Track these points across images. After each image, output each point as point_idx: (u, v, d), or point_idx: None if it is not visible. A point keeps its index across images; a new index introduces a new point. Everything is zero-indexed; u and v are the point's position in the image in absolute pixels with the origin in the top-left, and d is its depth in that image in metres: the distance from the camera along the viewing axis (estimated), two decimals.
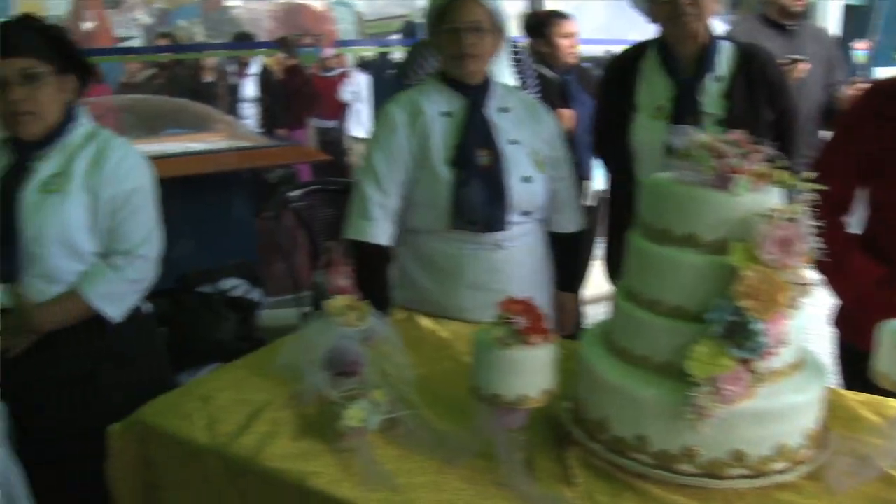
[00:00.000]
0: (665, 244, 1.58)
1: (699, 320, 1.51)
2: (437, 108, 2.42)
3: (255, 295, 3.94)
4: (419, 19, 8.70)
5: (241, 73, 7.42)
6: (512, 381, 1.51)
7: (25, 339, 2.12)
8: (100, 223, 2.12)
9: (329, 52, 7.67)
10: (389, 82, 7.02)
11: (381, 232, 2.42)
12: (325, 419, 1.75)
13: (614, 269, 2.69)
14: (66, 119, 2.16)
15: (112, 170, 2.12)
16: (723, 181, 1.51)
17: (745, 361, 1.45)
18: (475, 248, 2.40)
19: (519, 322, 1.49)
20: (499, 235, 2.39)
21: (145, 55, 7.61)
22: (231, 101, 7.33)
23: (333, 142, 7.45)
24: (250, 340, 3.79)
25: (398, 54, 7.78)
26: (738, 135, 1.56)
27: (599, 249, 2.80)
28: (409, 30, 7.99)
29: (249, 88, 7.31)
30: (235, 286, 3.88)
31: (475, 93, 2.42)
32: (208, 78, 7.43)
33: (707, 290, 1.51)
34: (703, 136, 1.58)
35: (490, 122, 2.41)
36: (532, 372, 1.52)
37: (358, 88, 7.39)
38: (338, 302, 1.88)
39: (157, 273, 2.23)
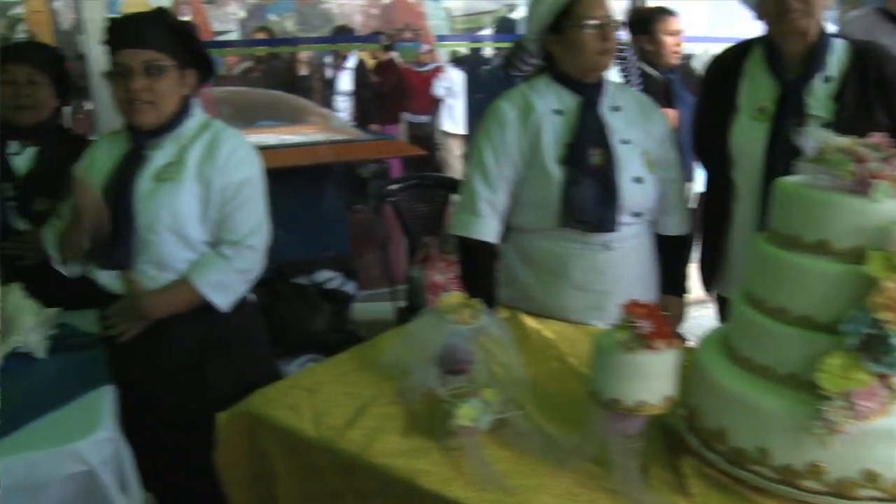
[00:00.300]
0: (794, 251, 1.52)
1: (830, 331, 1.44)
2: (549, 106, 2.37)
3: (350, 288, 3.96)
4: (509, 14, 8.67)
5: (338, 67, 7.48)
6: (633, 386, 1.48)
7: (137, 324, 2.17)
8: (210, 213, 2.15)
9: (424, 47, 7.67)
10: (484, 77, 7.02)
11: (488, 229, 2.39)
12: (434, 417, 1.74)
13: (708, 274, 2.62)
14: (182, 110, 2.19)
15: (224, 160, 2.15)
16: (862, 186, 1.44)
17: (882, 377, 1.38)
18: (582, 248, 2.36)
19: (643, 326, 1.45)
20: (607, 236, 2.35)
21: (247, 48, 7.70)
22: (326, 94, 7.40)
23: (425, 137, 7.46)
24: (343, 333, 3.82)
25: (489, 50, 7.74)
26: (879, 138, 1.49)
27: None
28: (504, 25, 7.93)
29: (345, 82, 7.37)
30: (330, 278, 3.90)
31: (589, 91, 2.37)
32: (303, 71, 7.50)
33: (839, 299, 1.45)
34: (840, 138, 1.52)
35: (603, 121, 2.36)
36: (654, 377, 1.48)
37: (451, 84, 7.37)
38: (451, 299, 1.85)
39: (265, 264, 2.24)
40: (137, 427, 2.01)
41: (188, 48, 2.16)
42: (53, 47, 2.86)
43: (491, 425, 1.70)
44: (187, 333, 2.20)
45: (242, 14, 9.78)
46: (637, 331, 1.46)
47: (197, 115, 2.23)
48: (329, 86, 7.52)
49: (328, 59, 7.73)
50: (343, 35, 7.86)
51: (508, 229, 2.45)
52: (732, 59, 2.51)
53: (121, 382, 2.11)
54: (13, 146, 2.68)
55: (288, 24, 9.77)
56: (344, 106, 7.31)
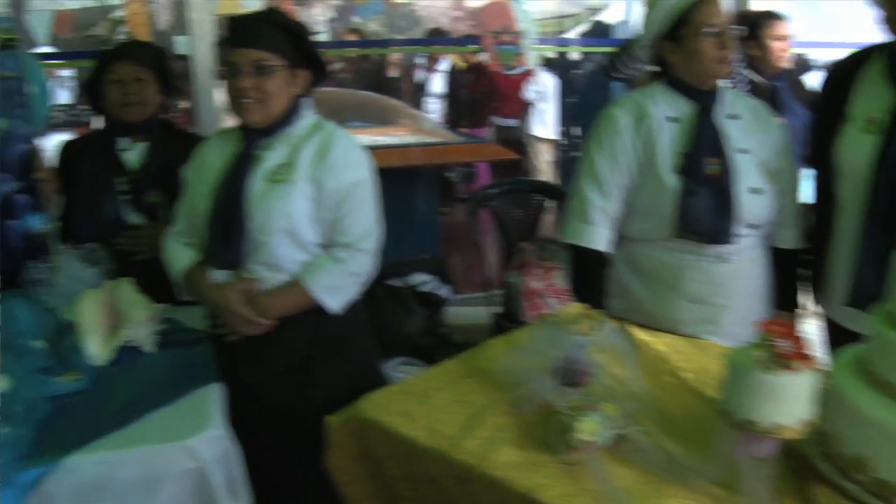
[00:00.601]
0: None
1: None
2: (664, 113, 2.31)
3: (444, 291, 3.93)
4: (594, 17, 8.58)
5: (431, 69, 7.49)
6: (769, 408, 1.42)
7: (249, 327, 2.17)
8: (323, 214, 2.14)
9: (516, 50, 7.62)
10: (577, 81, 6.94)
11: (600, 237, 2.34)
12: (550, 429, 1.70)
13: (819, 290, 2.50)
14: (292, 111, 2.19)
15: (336, 162, 2.14)
16: None
17: None
18: (697, 260, 2.29)
19: (783, 345, 1.39)
20: (723, 248, 2.27)
21: (341, 49, 7.75)
22: (416, 96, 7.41)
23: (514, 141, 7.39)
24: (436, 336, 3.80)
25: (575, 54, 7.66)
26: None
27: None
28: (598, 29, 7.84)
29: (436, 84, 7.37)
30: (425, 281, 3.88)
31: (705, 98, 2.30)
32: (393, 73, 7.53)
33: None
34: None
35: (719, 130, 2.29)
36: (792, 400, 1.42)
37: (543, 88, 7.30)
38: (570, 309, 1.81)
39: (376, 266, 2.23)
40: (243, 425, 2.01)
41: (299, 48, 2.16)
42: (157, 45, 2.91)
43: (610, 440, 1.65)
44: (297, 333, 2.19)
45: (330, 15, 9.87)
46: (776, 350, 1.40)
47: (308, 116, 2.23)
48: (419, 88, 7.53)
49: (419, 62, 7.75)
50: (436, 38, 7.86)
51: (620, 238, 2.40)
52: (848, 66, 2.36)
53: (227, 380, 2.12)
54: (123, 142, 2.73)
55: (374, 26, 9.83)
56: (434, 108, 7.31)
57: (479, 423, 1.80)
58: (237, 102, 2.12)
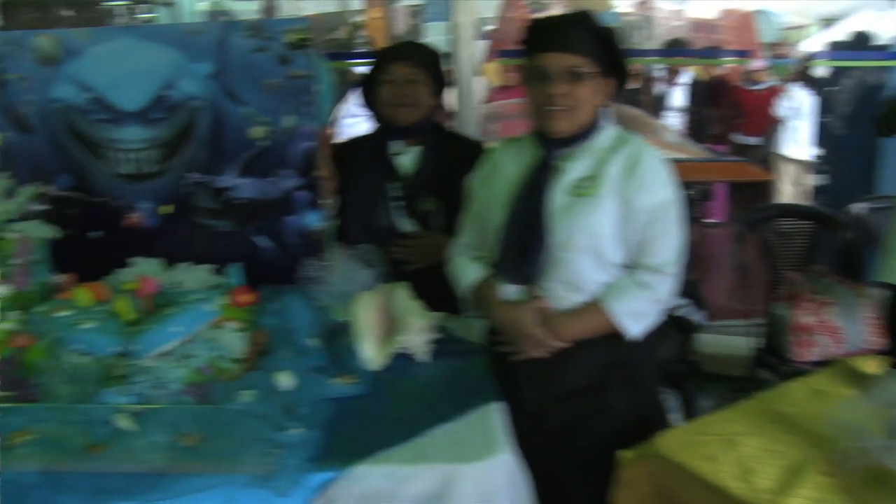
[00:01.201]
0: None
1: None
2: None
3: (699, 317, 3.71)
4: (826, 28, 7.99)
5: (671, 82, 7.23)
6: None
7: (541, 348, 2.07)
8: (629, 234, 2.00)
9: (758, 63, 7.25)
10: (837, 99, 6.45)
11: None
12: (885, 495, 1.49)
13: None
14: (595, 121, 2.07)
15: (646, 178, 1.99)
16: None
17: None
18: None
19: None
20: None
21: None
22: (655, 109, 7.17)
23: (756, 161, 7.03)
24: (686, 363, 3.59)
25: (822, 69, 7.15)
26: None
27: None
28: (860, 40, 7.27)
29: (677, 98, 7.10)
30: (679, 305, 3.68)
31: None
32: (632, 84, 7.33)
33: None
34: None
35: None
36: None
37: (798, 104, 6.86)
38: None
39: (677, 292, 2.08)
40: (520, 448, 1.91)
41: (610, 55, 2.03)
42: (431, 46, 2.85)
43: None
44: (589, 356, 2.07)
45: None
46: None
47: (610, 128, 2.10)
48: (658, 101, 7.29)
49: (657, 74, 7.51)
50: (677, 49, 7.58)
51: None
52: None
53: (506, 398, 2.02)
54: (396, 146, 2.70)
55: None
56: (674, 123, 7.05)
57: (801, 479, 1.61)
58: (543, 109, 2.01)
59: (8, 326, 2.17)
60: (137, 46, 2.61)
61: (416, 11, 9.74)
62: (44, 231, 2.47)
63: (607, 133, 2.08)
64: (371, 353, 2.18)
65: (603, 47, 2.01)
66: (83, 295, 2.18)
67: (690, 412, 3.28)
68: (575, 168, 2.04)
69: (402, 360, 2.22)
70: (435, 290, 2.37)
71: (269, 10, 9.31)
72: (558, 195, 2.03)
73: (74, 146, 2.70)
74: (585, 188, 2.01)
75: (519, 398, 2.06)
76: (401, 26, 9.67)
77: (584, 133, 2.05)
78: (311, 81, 2.57)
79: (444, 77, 2.73)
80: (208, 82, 2.60)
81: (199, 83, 2.60)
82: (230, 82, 2.60)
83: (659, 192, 2.00)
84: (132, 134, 2.65)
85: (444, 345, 2.29)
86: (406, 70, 2.63)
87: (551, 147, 2.07)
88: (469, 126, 3.59)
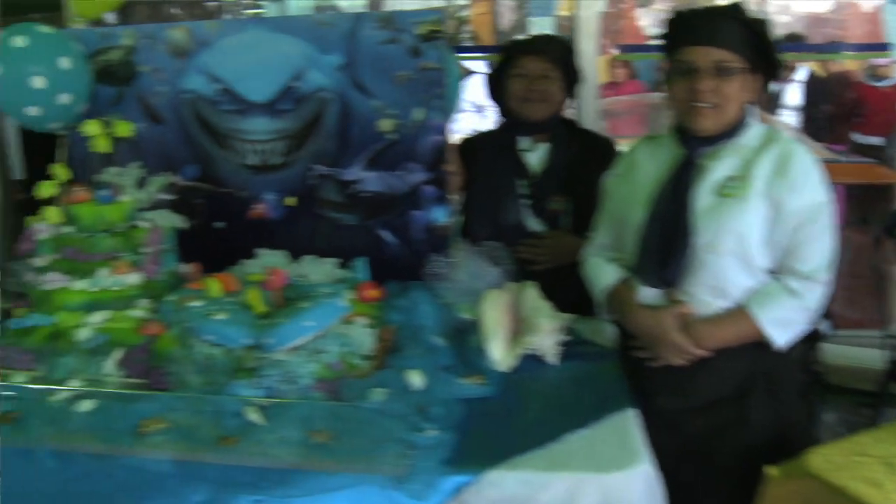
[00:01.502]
0: None
1: None
2: None
3: (823, 325, 3.55)
4: None
5: (786, 78, 6.96)
6: None
7: (680, 355, 1.99)
8: (778, 237, 1.90)
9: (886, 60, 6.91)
10: None
11: None
12: None
13: None
14: (741, 118, 1.97)
15: (797, 179, 1.89)
16: None
17: None
18: None
19: None
20: None
21: None
22: (770, 107, 6.92)
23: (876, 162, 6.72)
24: (808, 374, 3.44)
25: None
26: None
27: None
28: None
29: (793, 95, 6.84)
30: None
31: None
32: None
33: None
34: None
35: None
36: None
37: None
38: None
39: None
40: (654, 456, 1.82)
41: (760, 50, 1.93)
42: (566, 40, 2.78)
43: None
44: (732, 365, 1.98)
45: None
46: None
47: (757, 125, 1.99)
48: (772, 99, 7.02)
49: None
50: (796, 43, 7.30)
51: None
52: None
53: (639, 406, 1.94)
54: (524, 142, 2.63)
55: None
56: (789, 120, 6.78)
57: None
58: (688, 106, 1.93)
59: (139, 314, 2.20)
60: (267, 38, 2.62)
61: (520, 6, 9.64)
62: (173, 220, 2.49)
63: (755, 131, 1.98)
64: (499, 353, 2.13)
65: (753, 41, 1.91)
66: (214, 286, 2.19)
67: (813, 426, 3.14)
68: (721, 167, 1.95)
69: (530, 361, 2.16)
70: (561, 290, 2.31)
71: (375, 5, 9.35)
72: (703, 195, 1.94)
73: (202, 137, 2.72)
74: (733, 188, 1.91)
75: (653, 406, 1.97)
76: (506, 21, 9.58)
77: (731, 131, 1.96)
78: (442, 74, 2.53)
79: (576, 73, 2.65)
80: (337, 74, 2.59)
81: (328, 75, 2.60)
82: (359, 74, 2.58)
83: (811, 193, 1.89)
84: (259, 125, 2.66)
85: (573, 347, 2.23)
86: (539, 64, 2.57)
87: (694, 145, 1.98)
88: (588, 123, 3.50)
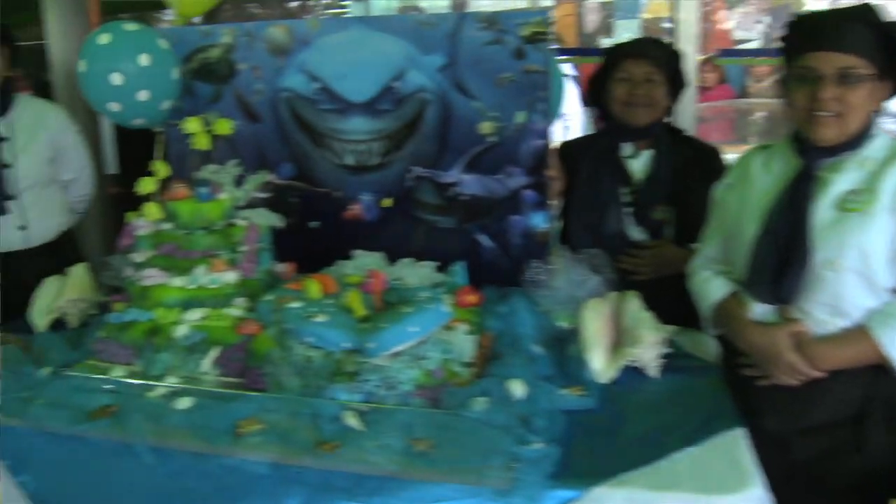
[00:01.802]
0: None
1: None
2: None
3: None
4: None
5: None
6: None
7: (794, 376, 1.90)
8: None
9: None
10: None
11: None
12: None
13: None
14: (866, 128, 1.87)
15: None
16: None
17: None
18: None
19: None
20: None
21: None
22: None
23: None
24: None
25: None
26: None
27: None
28: None
29: None
30: None
31: None
32: None
33: None
34: None
35: None
36: None
37: None
38: None
39: None
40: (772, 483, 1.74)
41: (891, 54, 1.82)
42: (671, 44, 2.70)
43: None
44: (849, 387, 1.87)
45: (767, 20, 9.31)
46: None
47: (882, 136, 1.89)
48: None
49: None
50: None
51: None
52: None
53: (747, 425, 1.85)
54: (627, 148, 2.57)
55: None
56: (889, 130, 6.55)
57: None
58: (809, 114, 1.83)
59: (236, 313, 2.19)
60: (367, 38, 2.60)
61: (606, 8, 9.53)
62: (270, 219, 2.48)
63: (881, 142, 1.88)
64: (600, 364, 2.08)
65: (884, 45, 1.80)
66: (313, 287, 2.17)
67: None
68: (843, 180, 1.85)
69: (630, 373, 2.10)
70: (663, 301, 2.23)
71: (459, 6, 9.34)
72: (824, 209, 1.84)
73: (299, 136, 2.71)
74: (856, 203, 1.81)
75: (759, 426, 1.88)
76: (590, 24, 9.49)
77: (854, 141, 1.86)
78: (546, 77, 2.48)
79: (682, 77, 2.57)
80: (438, 75, 2.56)
81: (428, 75, 2.57)
82: (461, 75, 2.54)
83: None
84: (357, 125, 2.64)
85: (674, 360, 2.15)
86: (643, 68, 2.50)
87: (814, 156, 1.88)
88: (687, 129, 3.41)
